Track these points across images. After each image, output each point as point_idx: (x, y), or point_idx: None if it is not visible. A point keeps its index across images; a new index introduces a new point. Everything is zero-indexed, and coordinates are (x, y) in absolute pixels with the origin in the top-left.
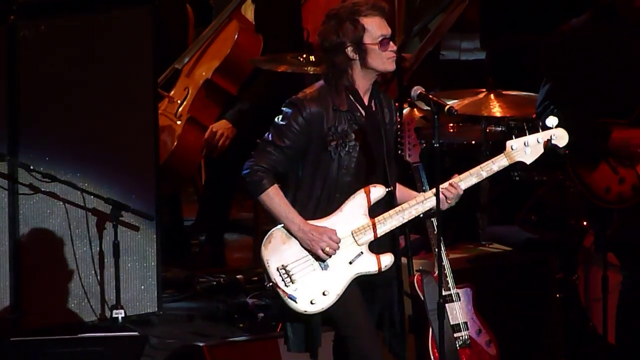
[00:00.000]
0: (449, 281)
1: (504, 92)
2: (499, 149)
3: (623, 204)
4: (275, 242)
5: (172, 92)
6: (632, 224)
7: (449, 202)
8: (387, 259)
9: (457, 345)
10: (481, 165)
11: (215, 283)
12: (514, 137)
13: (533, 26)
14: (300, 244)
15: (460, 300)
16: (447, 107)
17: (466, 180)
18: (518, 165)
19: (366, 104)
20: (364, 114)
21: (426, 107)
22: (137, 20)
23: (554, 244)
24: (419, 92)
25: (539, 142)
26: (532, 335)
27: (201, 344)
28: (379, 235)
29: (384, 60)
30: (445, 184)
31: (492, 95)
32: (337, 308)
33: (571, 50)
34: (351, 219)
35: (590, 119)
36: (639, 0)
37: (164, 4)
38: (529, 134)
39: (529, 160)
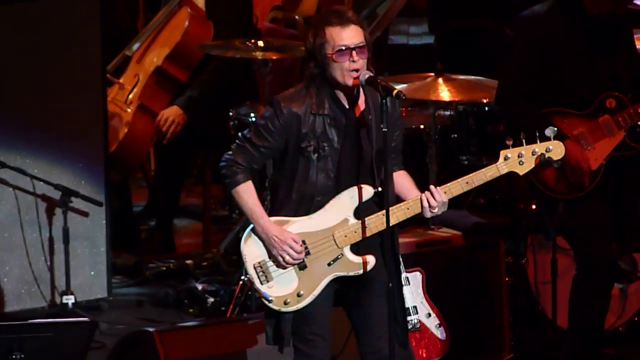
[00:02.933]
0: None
1: (452, 76)
2: (447, 132)
3: (570, 195)
4: (255, 238)
5: (122, 79)
6: (577, 214)
7: (433, 210)
8: (370, 261)
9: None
10: (471, 174)
11: (164, 268)
12: (509, 146)
13: (480, 10)
14: (264, 245)
15: (409, 284)
16: (395, 91)
17: (454, 189)
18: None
19: (347, 106)
20: (345, 116)
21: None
22: (84, 6)
23: (502, 228)
24: (367, 76)
25: (533, 155)
26: (481, 319)
27: (151, 330)
28: (363, 237)
29: (342, 72)
30: (433, 190)
31: (440, 80)
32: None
33: (535, 37)
34: (335, 219)
35: (547, 121)
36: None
37: None
38: (525, 144)
39: (521, 171)
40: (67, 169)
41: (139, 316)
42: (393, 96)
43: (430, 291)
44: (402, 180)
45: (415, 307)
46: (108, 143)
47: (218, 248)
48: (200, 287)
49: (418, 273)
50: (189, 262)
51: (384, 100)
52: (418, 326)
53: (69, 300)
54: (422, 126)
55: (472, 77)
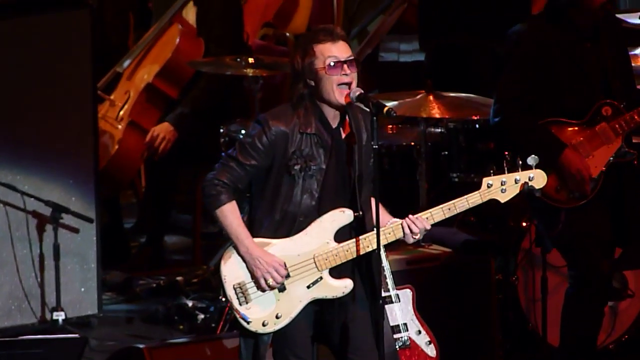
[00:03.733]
0: (389, 282)
1: (442, 94)
2: (437, 149)
3: (572, 204)
4: (235, 258)
5: (113, 96)
6: (578, 224)
7: (415, 237)
8: (348, 285)
9: (397, 347)
10: (454, 201)
11: (154, 285)
12: (492, 174)
13: (471, 28)
14: (246, 266)
15: (400, 301)
16: (386, 108)
17: (436, 215)
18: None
19: (334, 127)
20: (331, 136)
21: (366, 109)
22: (75, 22)
23: (493, 245)
24: (357, 93)
25: (516, 183)
26: (472, 336)
27: (141, 346)
28: (341, 261)
29: (333, 88)
30: (414, 217)
31: (431, 97)
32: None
33: (529, 50)
34: (315, 242)
35: (547, 130)
36: (595, 2)
37: (103, 6)
38: (508, 172)
39: (503, 199)
40: (58, 185)
41: (129, 332)
42: (384, 113)
43: (421, 308)
44: (380, 209)
45: (405, 324)
46: (99, 160)
47: (208, 265)
48: (190, 303)
49: (408, 290)
50: (179, 278)
51: (374, 117)
52: (408, 343)
53: (59, 316)
54: (412, 143)
55: (463, 94)
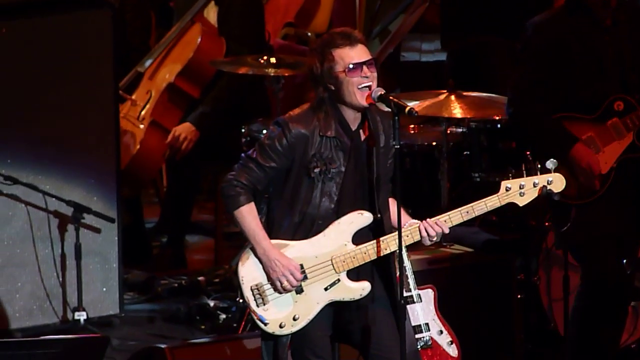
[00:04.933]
0: (411, 282)
1: (464, 94)
2: (459, 149)
3: (581, 200)
4: (253, 259)
5: (135, 95)
6: (588, 221)
7: (432, 239)
8: (366, 287)
9: (419, 346)
10: (472, 204)
11: (176, 285)
12: (510, 177)
13: (493, 27)
14: (263, 267)
15: (421, 301)
16: (408, 108)
17: (454, 218)
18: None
19: (353, 129)
20: (351, 139)
21: (387, 109)
22: (97, 22)
23: (514, 245)
24: (379, 93)
25: (534, 186)
26: (494, 336)
27: (163, 346)
28: (359, 263)
29: (354, 90)
30: (432, 221)
31: (452, 97)
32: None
33: (543, 42)
34: (333, 244)
35: (559, 124)
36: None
37: (125, 6)
38: (526, 176)
39: (521, 202)
40: (79, 185)
41: (150, 332)
42: (405, 113)
43: (442, 308)
44: (394, 208)
45: (427, 324)
46: (120, 159)
47: (230, 264)
48: (212, 303)
49: (430, 290)
50: (200, 278)
51: (396, 117)
52: (430, 343)
53: (81, 316)
54: (434, 143)
55: (484, 94)
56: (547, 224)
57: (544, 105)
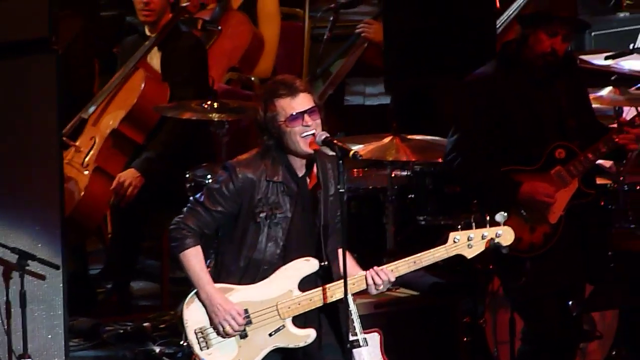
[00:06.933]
0: (356, 326)
1: (408, 137)
2: (404, 193)
3: (533, 253)
4: (197, 303)
5: (79, 142)
6: (540, 276)
7: (379, 288)
8: (311, 334)
9: None
10: (420, 254)
11: (122, 331)
12: (459, 229)
13: (437, 68)
14: (206, 311)
15: (367, 345)
16: (352, 151)
17: (401, 268)
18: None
19: (300, 175)
20: (297, 184)
21: (331, 152)
22: (41, 69)
23: (460, 287)
24: (323, 137)
25: (483, 239)
26: None
27: None
28: (304, 310)
29: (297, 139)
30: (378, 269)
31: (397, 140)
32: None
33: (479, 99)
34: (279, 290)
35: (499, 172)
36: (541, 45)
37: (69, 53)
38: (475, 228)
39: (469, 255)
40: (24, 232)
41: None
42: (350, 156)
43: (388, 352)
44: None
45: None
46: (65, 206)
47: (176, 310)
48: (158, 349)
49: (376, 334)
50: (146, 324)
51: (340, 161)
52: None
53: None
54: (379, 186)
55: (429, 137)
56: (491, 266)
57: (486, 162)
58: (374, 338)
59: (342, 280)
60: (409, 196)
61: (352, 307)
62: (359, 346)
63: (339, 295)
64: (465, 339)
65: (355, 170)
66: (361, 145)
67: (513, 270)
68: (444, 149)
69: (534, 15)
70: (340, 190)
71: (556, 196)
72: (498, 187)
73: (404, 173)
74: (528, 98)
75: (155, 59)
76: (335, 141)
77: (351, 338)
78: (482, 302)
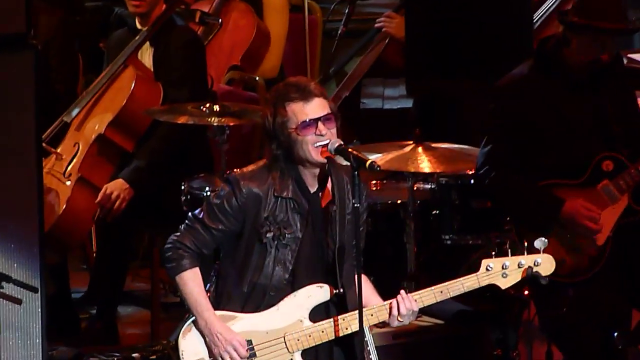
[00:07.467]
0: (373, 359)
1: (433, 145)
2: (427, 208)
3: (576, 278)
4: (195, 332)
5: (60, 149)
6: (584, 303)
7: (401, 319)
8: None
9: None
10: (447, 283)
11: None
12: (493, 255)
13: (464, 70)
14: (205, 341)
15: None
16: (369, 162)
17: (426, 298)
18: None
19: (312, 191)
20: (309, 202)
21: (345, 162)
22: (17, 67)
23: (490, 316)
24: (337, 145)
25: (519, 267)
26: None
27: None
28: (315, 343)
29: (309, 148)
30: (405, 296)
31: (419, 149)
32: None
33: (513, 105)
34: (287, 320)
35: (539, 187)
36: (586, 53)
37: (49, 49)
38: (511, 255)
39: (504, 285)
40: None
41: None
42: (366, 167)
43: None
44: (364, 285)
45: None
46: (44, 221)
47: (168, 339)
48: None
49: None
50: (135, 355)
51: (356, 172)
52: None
53: None
54: (399, 201)
55: (455, 145)
56: (526, 292)
57: (522, 176)
58: None
59: (358, 310)
60: (433, 212)
61: (369, 338)
62: None
63: (354, 327)
64: None
65: (372, 182)
66: (379, 155)
67: (552, 298)
68: (474, 159)
69: (581, 25)
70: (355, 205)
71: (603, 214)
72: (537, 203)
73: (428, 186)
74: (569, 103)
75: (146, 56)
76: (350, 150)
77: None
78: (514, 332)
